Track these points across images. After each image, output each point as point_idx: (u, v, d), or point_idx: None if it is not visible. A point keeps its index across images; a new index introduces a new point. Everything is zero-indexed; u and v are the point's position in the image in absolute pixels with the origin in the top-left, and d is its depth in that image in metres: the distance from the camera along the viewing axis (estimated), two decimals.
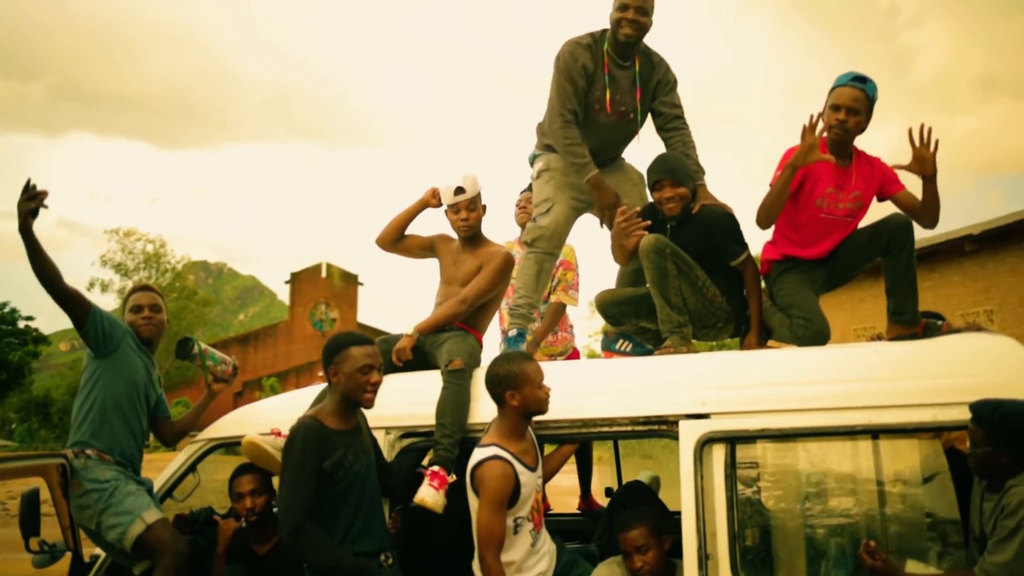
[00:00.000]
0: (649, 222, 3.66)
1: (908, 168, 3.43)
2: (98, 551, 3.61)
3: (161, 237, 36.80)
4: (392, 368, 3.56)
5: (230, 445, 3.73)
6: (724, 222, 3.66)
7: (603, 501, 5.05)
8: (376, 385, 3.04)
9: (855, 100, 3.46)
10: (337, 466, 2.92)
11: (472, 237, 3.83)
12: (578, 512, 5.06)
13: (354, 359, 3.00)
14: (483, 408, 3.32)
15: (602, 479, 5.52)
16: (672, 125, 4.12)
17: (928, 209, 3.49)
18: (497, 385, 3.11)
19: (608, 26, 3.99)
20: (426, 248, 3.97)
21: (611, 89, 3.93)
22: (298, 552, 2.86)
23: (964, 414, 2.69)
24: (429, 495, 3.15)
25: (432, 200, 3.87)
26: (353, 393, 3.02)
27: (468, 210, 3.76)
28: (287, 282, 35.82)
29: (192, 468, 3.69)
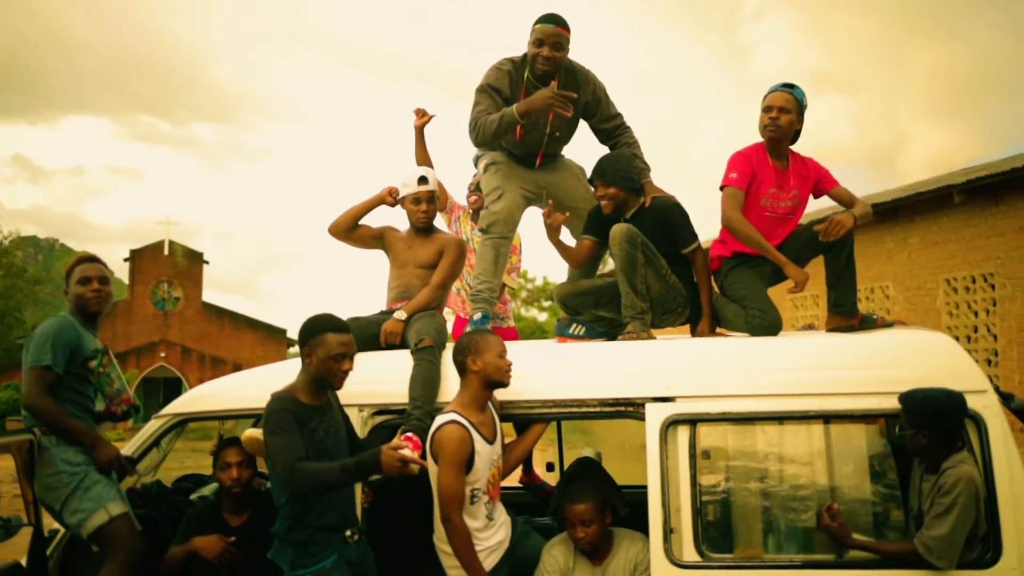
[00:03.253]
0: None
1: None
2: (57, 525, 3.58)
3: None
4: (369, 347, 3.66)
5: (194, 420, 3.75)
6: (677, 211, 3.87)
7: (544, 476, 5.26)
8: (347, 372, 3.15)
9: (785, 101, 3.75)
10: (309, 440, 3.01)
11: (427, 228, 4.08)
12: (520, 485, 5.24)
13: (328, 346, 3.09)
14: (451, 388, 3.44)
15: (542, 454, 5.72)
16: (616, 134, 4.32)
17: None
18: (460, 352, 3.29)
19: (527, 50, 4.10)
20: (376, 238, 4.18)
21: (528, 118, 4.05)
22: (301, 488, 2.93)
23: None
24: (408, 455, 3.25)
25: (388, 198, 4.09)
26: (324, 377, 3.12)
27: (428, 202, 4.04)
28: (126, 259, 33.66)
29: (156, 443, 3.69)
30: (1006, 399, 3.28)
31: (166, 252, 32.94)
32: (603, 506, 3.32)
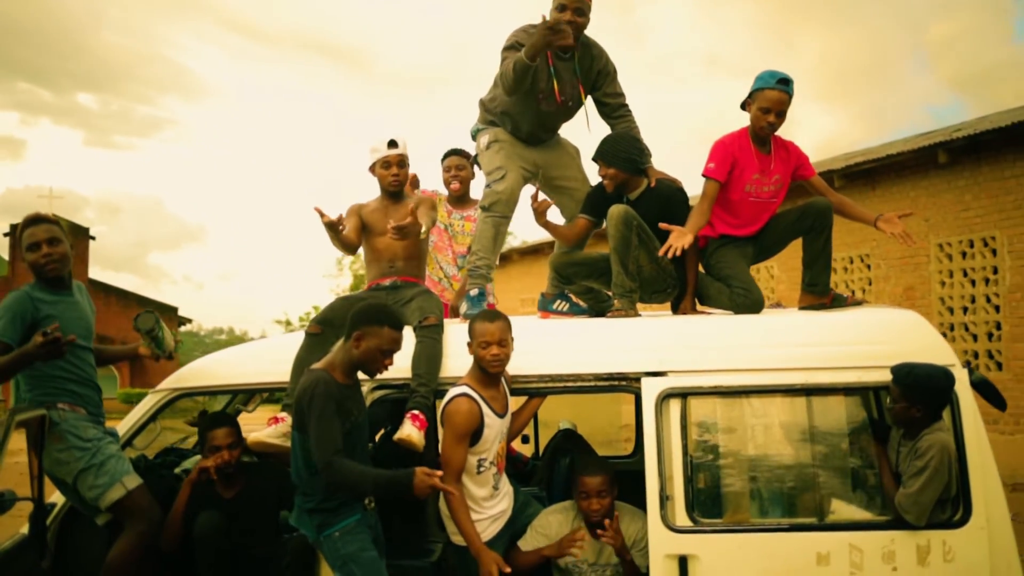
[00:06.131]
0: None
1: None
2: (56, 498, 3.60)
3: None
4: None
5: (192, 395, 3.79)
6: (680, 196, 4.03)
7: (519, 447, 5.42)
8: (387, 368, 3.21)
9: (783, 104, 3.84)
10: (345, 419, 3.09)
11: (398, 193, 4.10)
12: None
13: (382, 339, 3.12)
14: (450, 363, 3.58)
15: None
16: (618, 113, 4.42)
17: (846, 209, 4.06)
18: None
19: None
20: (360, 226, 4.05)
21: (557, 80, 4.16)
22: (335, 484, 3.02)
23: (883, 376, 3.22)
24: (414, 432, 3.38)
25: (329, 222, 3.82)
26: (365, 365, 3.17)
27: (399, 166, 4.02)
28: (6, 234, 30.88)
29: (154, 418, 3.71)
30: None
31: None
32: (615, 481, 3.48)
